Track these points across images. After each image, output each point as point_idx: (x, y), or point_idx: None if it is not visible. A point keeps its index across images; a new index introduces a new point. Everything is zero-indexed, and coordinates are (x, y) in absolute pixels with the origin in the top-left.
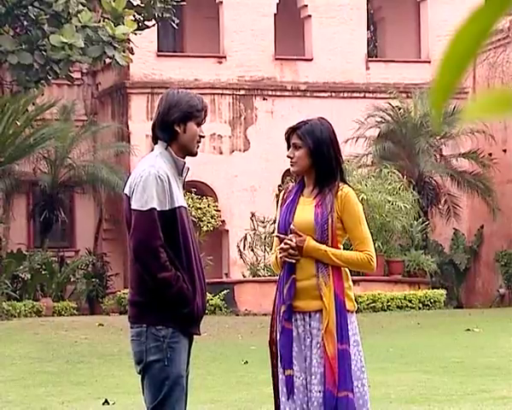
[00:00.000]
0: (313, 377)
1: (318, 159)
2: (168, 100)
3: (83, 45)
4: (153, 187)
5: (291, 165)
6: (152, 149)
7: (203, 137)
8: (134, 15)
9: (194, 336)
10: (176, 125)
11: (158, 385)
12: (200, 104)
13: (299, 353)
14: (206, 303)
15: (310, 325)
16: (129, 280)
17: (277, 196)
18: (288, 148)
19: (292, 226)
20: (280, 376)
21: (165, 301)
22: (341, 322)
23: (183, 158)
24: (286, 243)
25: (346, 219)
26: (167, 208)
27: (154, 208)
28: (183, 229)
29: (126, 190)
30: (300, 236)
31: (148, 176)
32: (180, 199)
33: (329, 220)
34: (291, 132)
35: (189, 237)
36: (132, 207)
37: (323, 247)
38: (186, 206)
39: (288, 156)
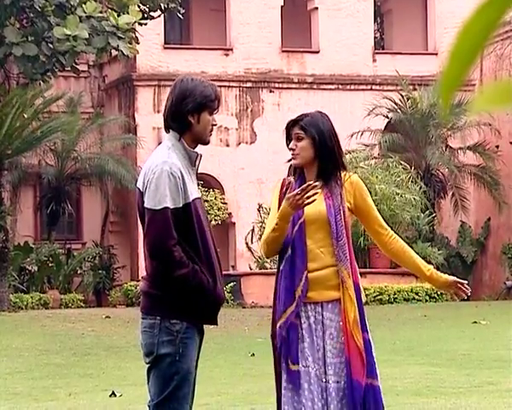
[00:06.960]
0: (328, 367)
1: (322, 149)
2: (182, 89)
3: (87, 36)
4: (166, 185)
5: (293, 158)
6: (160, 141)
7: (215, 125)
8: (139, 6)
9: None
10: (190, 115)
11: (166, 380)
12: (213, 93)
13: (311, 344)
14: (224, 291)
15: (322, 316)
16: (145, 270)
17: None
18: (288, 142)
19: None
20: (283, 371)
21: (181, 295)
22: (361, 312)
23: (195, 147)
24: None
25: (360, 204)
26: (181, 205)
27: (167, 207)
28: (198, 221)
29: (139, 185)
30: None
31: (161, 173)
32: (194, 192)
33: (341, 211)
34: (292, 125)
35: (205, 227)
36: (145, 205)
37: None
38: (200, 196)
39: (291, 148)
